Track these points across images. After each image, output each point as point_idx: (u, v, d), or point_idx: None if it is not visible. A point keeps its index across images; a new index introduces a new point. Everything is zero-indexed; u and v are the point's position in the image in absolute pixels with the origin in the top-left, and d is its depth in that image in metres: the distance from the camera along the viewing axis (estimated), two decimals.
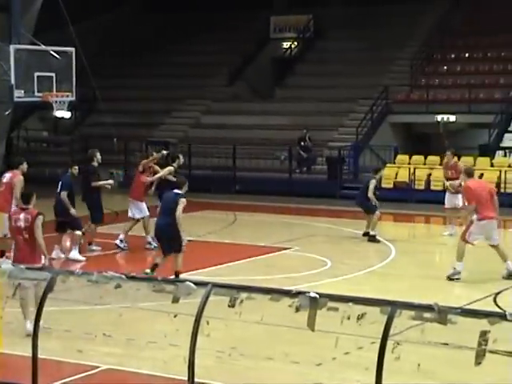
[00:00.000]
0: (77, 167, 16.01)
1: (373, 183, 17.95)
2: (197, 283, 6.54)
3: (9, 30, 21.09)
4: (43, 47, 19.66)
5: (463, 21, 31.71)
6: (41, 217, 10.73)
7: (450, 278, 13.76)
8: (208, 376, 8.04)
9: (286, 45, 35.45)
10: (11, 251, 11.49)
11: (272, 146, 28.54)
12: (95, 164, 16.75)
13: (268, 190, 24.87)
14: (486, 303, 12.07)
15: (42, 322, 7.21)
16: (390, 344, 5.77)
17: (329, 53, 32.67)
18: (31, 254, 10.50)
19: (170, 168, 16.89)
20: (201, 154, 27.92)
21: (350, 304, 5.88)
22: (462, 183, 18.26)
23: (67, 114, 21.59)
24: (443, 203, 18.72)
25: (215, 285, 6.54)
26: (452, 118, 27.37)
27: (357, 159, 27.32)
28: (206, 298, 6.37)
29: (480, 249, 17.74)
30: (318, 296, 5.95)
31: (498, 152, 25.79)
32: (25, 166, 14.98)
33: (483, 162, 24.53)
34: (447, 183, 18.56)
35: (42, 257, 10.62)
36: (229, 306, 6.24)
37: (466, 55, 30.53)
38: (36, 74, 19.55)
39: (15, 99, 19.94)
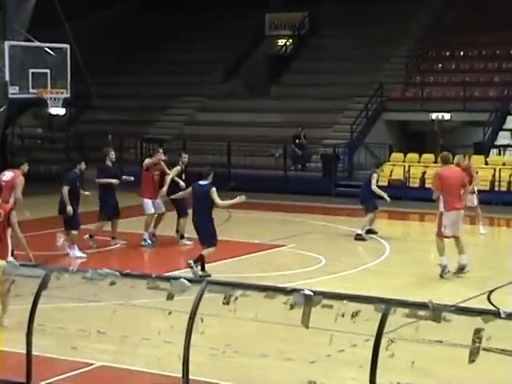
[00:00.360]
0: (84, 163, 15.98)
1: (374, 177, 17.98)
2: (191, 280, 6.54)
3: (3, 27, 21.08)
4: (38, 44, 19.66)
5: (458, 18, 31.71)
6: (14, 212, 10.72)
7: (441, 276, 13.76)
8: (202, 373, 8.04)
9: (281, 42, 35.44)
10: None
11: (267, 144, 28.53)
12: (108, 163, 16.79)
13: (263, 188, 24.84)
14: (480, 301, 12.09)
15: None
16: (384, 341, 5.78)
17: (324, 50, 32.66)
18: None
19: (178, 168, 16.95)
20: (196, 151, 27.80)
21: (345, 301, 5.88)
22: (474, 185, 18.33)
23: (62, 111, 21.52)
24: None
25: (210, 282, 6.55)
26: (447, 115, 27.40)
27: (351, 157, 27.34)
28: (201, 295, 6.38)
29: (473, 246, 17.78)
30: (312, 293, 5.96)
31: (492, 150, 25.82)
32: (26, 167, 14.95)
33: (478, 160, 24.53)
34: (471, 187, 18.39)
35: (29, 253, 10.63)
36: (223, 303, 6.25)
37: (461, 53, 30.54)
38: (31, 70, 19.54)
39: (10, 96, 19.94)
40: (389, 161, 26.04)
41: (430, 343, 7.05)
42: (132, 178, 17.23)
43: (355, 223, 19.01)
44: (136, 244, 16.89)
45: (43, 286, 7.00)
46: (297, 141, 28.13)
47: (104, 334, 9.04)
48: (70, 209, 15.43)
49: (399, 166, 25.38)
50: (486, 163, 24.61)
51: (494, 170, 23.87)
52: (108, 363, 9.19)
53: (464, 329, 5.63)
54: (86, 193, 16.13)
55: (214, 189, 13.60)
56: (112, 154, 16.98)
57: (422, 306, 5.68)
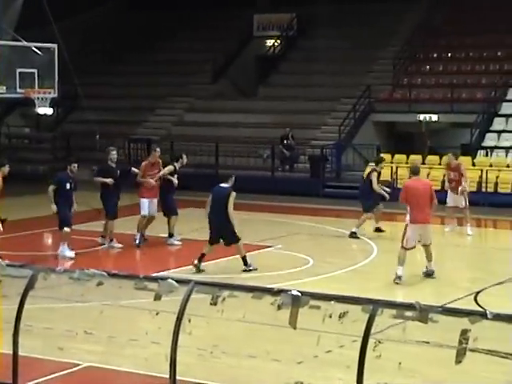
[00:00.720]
0: (76, 164, 15.90)
1: (374, 175, 18.03)
2: (179, 281, 6.53)
3: None
4: (25, 43, 19.56)
5: (446, 20, 31.82)
6: None
7: (394, 281, 13.60)
8: (190, 374, 8.03)
9: (269, 43, 35.46)
10: None
11: (255, 144, 28.53)
12: (110, 163, 16.81)
13: (251, 188, 24.79)
14: (467, 302, 12.13)
15: None
16: (371, 342, 5.79)
17: (312, 51, 32.67)
18: None
19: (170, 167, 17.02)
20: (183, 152, 27.84)
21: (332, 302, 5.89)
22: (465, 185, 18.40)
23: (49, 111, 21.42)
24: None
25: (197, 282, 6.53)
26: (434, 117, 27.47)
27: (339, 158, 27.39)
28: (188, 295, 6.37)
29: (461, 248, 17.85)
30: (299, 294, 5.96)
31: (479, 151, 25.91)
32: (6, 169, 14.85)
33: (465, 161, 24.57)
34: (461, 187, 18.45)
35: None
36: (211, 303, 6.24)
37: (449, 55, 30.64)
38: (18, 70, 19.43)
39: None
40: None
41: (417, 344, 7.06)
42: (137, 171, 17.21)
43: (343, 224, 19.05)
44: (126, 244, 16.82)
45: (30, 286, 6.97)
46: (285, 141, 28.14)
47: (91, 334, 9.02)
48: (54, 207, 15.39)
49: (387, 167, 25.33)
50: (473, 164, 24.69)
51: (481, 171, 23.95)
52: (95, 364, 9.17)
53: (451, 330, 5.65)
54: (75, 205, 15.96)
55: (234, 193, 14.28)
56: (113, 154, 16.97)
57: (409, 306, 5.69)
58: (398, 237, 19.89)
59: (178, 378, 6.48)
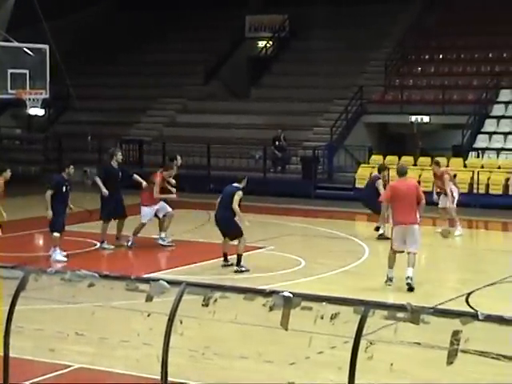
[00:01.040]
0: (72, 167, 15.80)
1: (380, 183, 18.04)
2: (170, 282, 6.52)
3: None
4: (17, 44, 19.54)
5: (438, 22, 31.89)
6: None
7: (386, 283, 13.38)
8: (181, 375, 8.02)
9: (261, 44, 35.47)
10: None
11: (247, 146, 28.53)
12: (114, 163, 16.76)
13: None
14: (459, 303, 12.15)
15: None
16: (363, 343, 5.79)
17: (304, 53, 32.72)
18: None
19: (170, 172, 16.95)
20: (176, 153, 27.84)
21: (324, 303, 5.88)
22: (452, 188, 18.45)
23: (41, 112, 21.42)
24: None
25: (189, 284, 6.52)
26: (426, 118, 27.52)
27: (331, 159, 27.41)
28: (180, 296, 6.36)
29: (452, 249, 17.88)
30: (291, 295, 5.95)
31: (471, 153, 25.97)
32: (8, 174, 14.82)
33: (456, 162, 24.69)
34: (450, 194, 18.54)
35: None
36: (202, 305, 6.23)
37: (440, 56, 30.71)
38: (9, 70, 19.41)
39: None
40: (368, 163, 26.13)
41: (409, 345, 7.07)
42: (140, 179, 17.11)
43: (335, 225, 19.06)
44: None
45: (21, 287, 6.95)
46: (277, 143, 28.15)
47: (82, 335, 9.00)
48: (50, 213, 15.27)
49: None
50: (465, 166, 24.75)
51: (473, 172, 24.00)
52: (86, 365, 9.14)
53: (442, 331, 5.66)
54: (71, 206, 15.91)
55: (240, 192, 14.73)
56: (119, 155, 16.95)
57: (401, 308, 5.69)
58: (388, 238, 19.94)
59: (169, 379, 6.47)
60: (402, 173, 13.60)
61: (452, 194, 18.61)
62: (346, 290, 12.29)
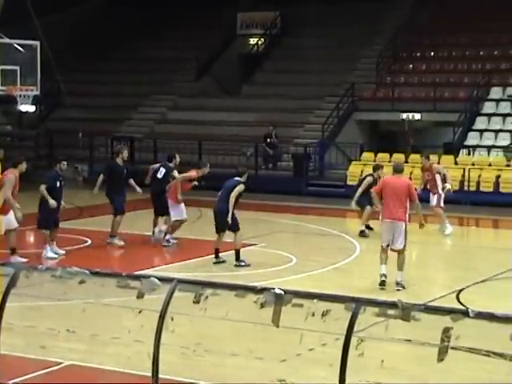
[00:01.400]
0: (65, 162, 15.78)
1: (366, 181, 18.03)
2: (162, 279, 6.51)
3: None
4: (7, 40, 19.48)
5: (429, 19, 31.92)
6: None
7: (379, 285, 13.25)
8: (172, 372, 8.02)
9: (252, 41, 35.44)
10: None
11: (238, 143, 28.52)
12: (119, 161, 16.78)
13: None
14: (449, 300, 12.17)
15: None
16: (354, 340, 5.80)
17: (295, 50, 32.71)
18: None
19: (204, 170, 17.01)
20: (167, 150, 27.79)
21: (315, 300, 5.89)
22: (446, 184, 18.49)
23: (32, 108, 21.41)
24: None
25: (180, 281, 6.51)
26: (417, 116, 27.58)
27: (323, 156, 27.43)
28: (171, 293, 6.35)
29: (443, 246, 17.92)
30: (283, 292, 5.96)
31: (462, 150, 26.02)
32: (24, 166, 14.78)
33: (447, 160, 24.74)
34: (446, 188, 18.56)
35: None
36: (194, 302, 6.23)
37: (432, 54, 30.74)
38: (0, 67, 19.36)
39: None
40: (360, 160, 26.16)
41: (400, 342, 7.08)
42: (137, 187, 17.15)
43: (326, 222, 19.07)
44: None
45: (12, 284, 6.93)
46: (268, 140, 28.14)
47: (73, 332, 8.99)
48: (52, 202, 15.15)
49: (370, 166, 25.40)
50: (456, 163, 24.80)
51: (464, 169, 24.06)
52: (77, 362, 9.13)
53: (433, 328, 5.67)
54: (63, 203, 15.85)
55: (241, 186, 14.82)
56: (125, 153, 17.01)
57: (392, 305, 5.70)
58: (379, 235, 19.97)
59: (160, 376, 6.47)
60: (397, 170, 13.63)
61: (439, 192, 18.60)
62: (337, 287, 12.31)
